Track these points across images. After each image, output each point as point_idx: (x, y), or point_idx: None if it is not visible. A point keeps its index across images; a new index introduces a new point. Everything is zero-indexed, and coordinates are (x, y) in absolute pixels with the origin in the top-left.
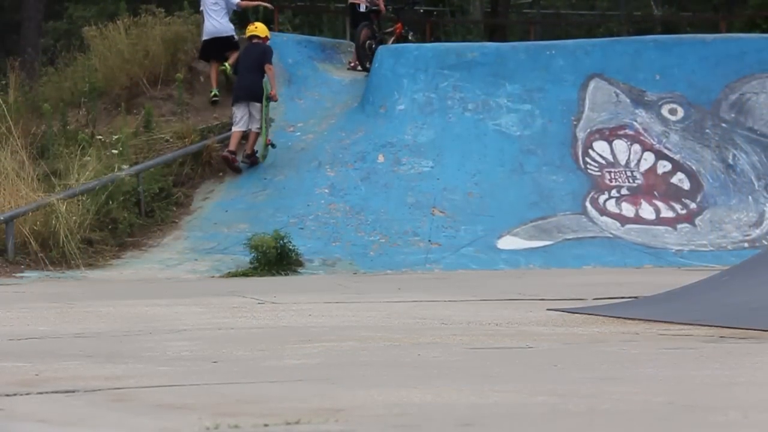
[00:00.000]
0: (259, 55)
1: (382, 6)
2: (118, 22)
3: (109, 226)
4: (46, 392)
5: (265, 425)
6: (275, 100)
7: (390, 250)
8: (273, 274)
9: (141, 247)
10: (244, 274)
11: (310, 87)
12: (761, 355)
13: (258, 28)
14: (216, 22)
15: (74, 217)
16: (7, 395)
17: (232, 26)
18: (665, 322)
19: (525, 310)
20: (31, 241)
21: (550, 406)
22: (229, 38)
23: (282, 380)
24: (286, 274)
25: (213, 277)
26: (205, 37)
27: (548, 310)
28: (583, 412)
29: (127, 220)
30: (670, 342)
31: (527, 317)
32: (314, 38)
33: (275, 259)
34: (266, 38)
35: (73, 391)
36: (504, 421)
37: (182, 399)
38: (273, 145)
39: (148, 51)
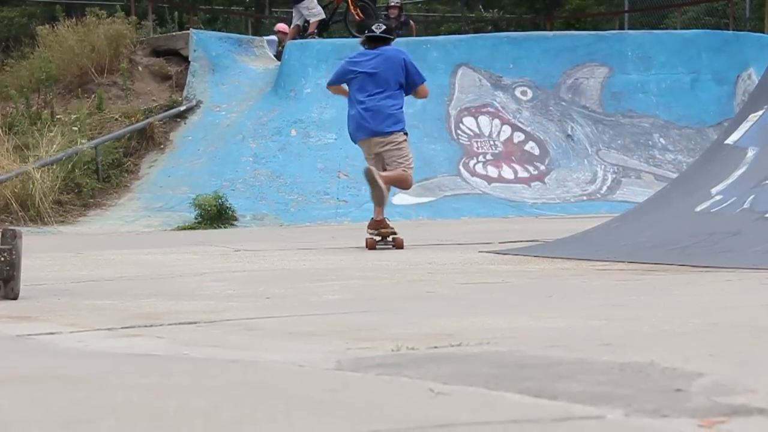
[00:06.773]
0: None
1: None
2: (67, 21)
3: (75, 190)
4: (176, 323)
5: (435, 347)
6: None
7: (307, 206)
8: (214, 227)
9: (102, 207)
10: (191, 228)
11: (231, 75)
12: (702, 283)
13: None
14: None
15: (47, 183)
16: (146, 326)
17: None
18: (586, 260)
19: (460, 253)
20: (13, 202)
21: (624, 329)
22: None
23: (353, 312)
24: (225, 227)
25: (166, 230)
26: None
27: (480, 252)
28: (657, 333)
29: (89, 185)
30: (613, 275)
31: (469, 258)
32: (232, 35)
33: (215, 215)
34: None
35: (197, 323)
36: (616, 340)
37: (302, 327)
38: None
39: (94, 46)
